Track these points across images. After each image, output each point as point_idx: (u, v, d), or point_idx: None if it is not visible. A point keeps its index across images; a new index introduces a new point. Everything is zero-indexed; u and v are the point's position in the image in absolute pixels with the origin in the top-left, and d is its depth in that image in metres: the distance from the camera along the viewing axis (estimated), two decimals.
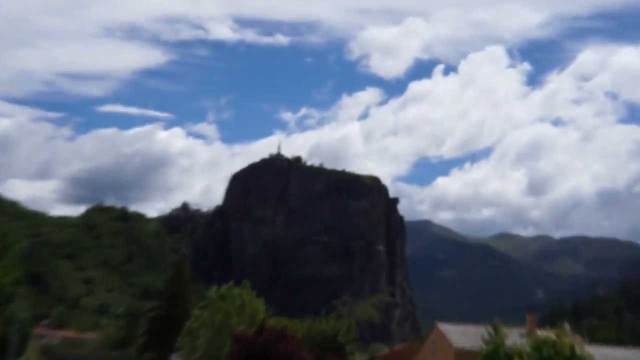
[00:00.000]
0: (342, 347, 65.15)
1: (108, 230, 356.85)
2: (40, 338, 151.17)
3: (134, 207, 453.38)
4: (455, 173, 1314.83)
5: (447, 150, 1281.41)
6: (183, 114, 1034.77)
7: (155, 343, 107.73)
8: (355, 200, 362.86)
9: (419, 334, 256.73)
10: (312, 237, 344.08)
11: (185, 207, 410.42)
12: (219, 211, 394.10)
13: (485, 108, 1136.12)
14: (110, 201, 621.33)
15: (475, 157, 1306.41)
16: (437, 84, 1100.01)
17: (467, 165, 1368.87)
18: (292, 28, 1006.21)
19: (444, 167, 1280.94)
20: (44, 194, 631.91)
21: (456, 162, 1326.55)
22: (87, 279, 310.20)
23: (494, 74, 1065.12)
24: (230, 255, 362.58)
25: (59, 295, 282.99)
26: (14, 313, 47.56)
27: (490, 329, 41.45)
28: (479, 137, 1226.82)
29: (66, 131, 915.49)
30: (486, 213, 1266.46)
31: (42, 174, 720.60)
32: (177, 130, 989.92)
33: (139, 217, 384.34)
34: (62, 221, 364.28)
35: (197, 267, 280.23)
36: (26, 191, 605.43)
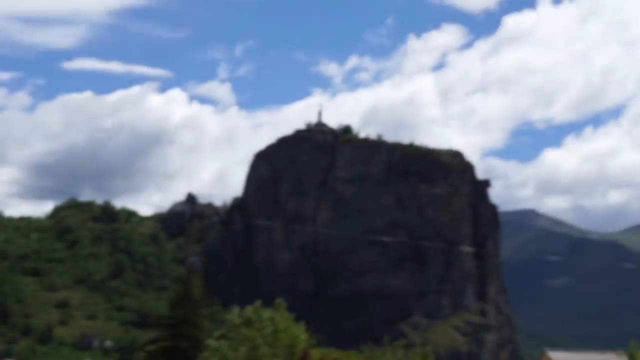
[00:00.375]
0: None
1: (87, 235, 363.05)
2: None
3: (120, 203, 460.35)
4: (571, 143, 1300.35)
5: (559, 112, 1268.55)
6: (184, 70, 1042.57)
7: None
8: (429, 185, 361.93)
9: None
10: (368, 237, 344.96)
11: (191, 200, 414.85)
12: (239, 205, 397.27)
13: (615, 50, 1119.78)
14: (87, 195, 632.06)
15: (599, 119, 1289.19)
16: (543, 17, 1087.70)
17: (587, 131, 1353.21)
18: None
19: (555, 135, 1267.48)
20: None
21: (572, 128, 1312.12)
22: (61, 302, 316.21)
23: (627, 1, 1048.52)
24: (256, 265, 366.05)
25: (23, 325, 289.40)
26: None
27: (623, 357, 41.52)
28: (605, 92, 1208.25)
29: (22, 98, 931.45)
30: (615, 198, 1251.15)
31: None
32: (177, 93, 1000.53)
33: (129, 216, 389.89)
34: (24, 223, 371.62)
35: (211, 282, 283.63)
36: None
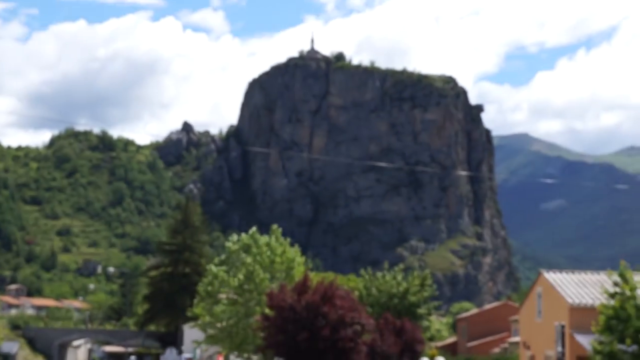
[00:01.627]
0: (413, 308, 66.35)
1: (85, 164, 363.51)
2: (8, 308, 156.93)
3: (117, 132, 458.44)
4: (564, 66, 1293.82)
5: (551, 34, 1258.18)
6: None
7: (162, 311, 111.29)
8: (423, 111, 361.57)
9: (518, 288, 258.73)
10: (364, 163, 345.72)
11: (187, 128, 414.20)
12: (235, 133, 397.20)
13: None
14: (84, 124, 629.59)
15: (592, 41, 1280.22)
16: None
17: (580, 53, 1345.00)
18: None
19: (548, 58, 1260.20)
20: None
21: (564, 50, 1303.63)
22: (63, 230, 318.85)
23: None
24: (253, 191, 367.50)
25: (26, 253, 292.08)
26: None
27: (615, 277, 41.90)
28: (599, 13, 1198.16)
29: (16, 28, 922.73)
30: (608, 120, 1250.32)
31: None
32: (171, 21, 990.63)
33: (126, 145, 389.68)
34: (22, 153, 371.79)
35: (209, 209, 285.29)
36: None
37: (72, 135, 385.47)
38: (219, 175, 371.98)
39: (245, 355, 63.77)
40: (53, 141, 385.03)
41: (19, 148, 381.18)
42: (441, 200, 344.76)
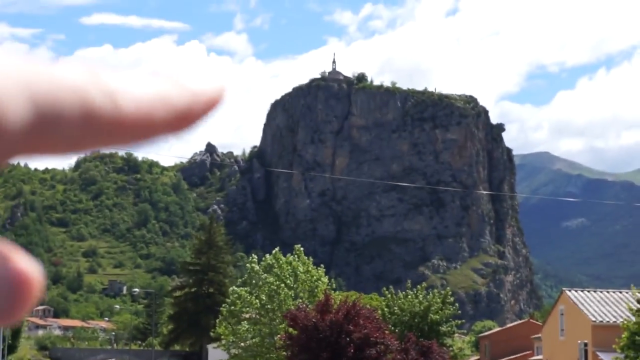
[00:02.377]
0: (436, 327, 66.07)
1: (110, 186, 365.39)
2: (35, 329, 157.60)
3: (141, 153, 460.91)
4: (584, 85, 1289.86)
5: (572, 54, 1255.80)
6: (201, 22, 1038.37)
7: (186, 331, 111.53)
8: (444, 131, 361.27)
9: (540, 306, 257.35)
10: (386, 183, 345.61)
11: (210, 150, 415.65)
12: (258, 154, 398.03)
13: None
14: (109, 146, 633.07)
15: (612, 61, 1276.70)
16: None
17: (600, 73, 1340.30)
18: None
19: (568, 77, 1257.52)
20: None
21: (585, 70, 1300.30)
22: (89, 251, 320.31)
23: None
24: (276, 212, 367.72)
25: (53, 274, 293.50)
26: None
27: (638, 295, 41.70)
28: (619, 33, 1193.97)
29: (43, 53, 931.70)
30: (629, 139, 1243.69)
31: None
32: (195, 45, 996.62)
33: (150, 166, 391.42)
34: (49, 175, 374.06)
35: (232, 229, 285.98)
36: None
37: (97, 157, 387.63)
38: (243, 196, 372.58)
39: None
40: (79, 164, 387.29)
41: (46, 170, 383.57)
42: (463, 219, 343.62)
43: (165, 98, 1.11)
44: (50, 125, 1.05)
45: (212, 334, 73.43)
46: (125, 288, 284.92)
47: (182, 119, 1.12)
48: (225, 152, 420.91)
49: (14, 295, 0.98)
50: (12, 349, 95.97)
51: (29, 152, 1.03)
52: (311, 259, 68.50)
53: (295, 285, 64.09)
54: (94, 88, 1.07)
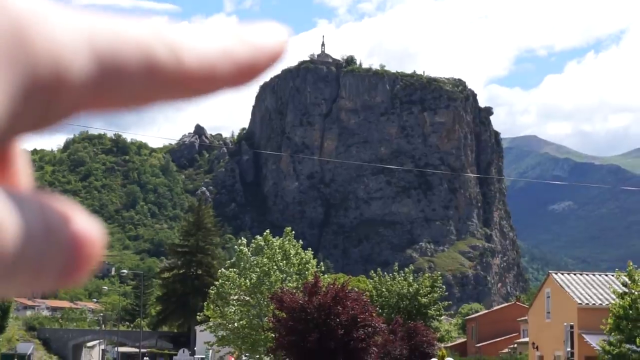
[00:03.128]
0: (424, 309, 66.38)
1: (99, 167, 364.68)
2: (23, 309, 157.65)
3: (130, 135, 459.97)
4: (573, 69, 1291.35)
5: (560, 38, 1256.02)
6: (191, 4, 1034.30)
7: (175, 312, 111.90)
8: (432, 113, 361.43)
9: (527, 289, 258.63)
10: (374, 165, 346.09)
11: (199, 132, 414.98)
12: (246, 136, 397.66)
13: None
14: (97, 127, 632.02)
15: (601, 45, 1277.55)
16: None
17: (589, 57, 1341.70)
18: None
19: (557, 61, 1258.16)
20: None
21: (574, 54, 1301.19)
22: None
23: None
24: (265, 194, 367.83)
25: None
26: None
27: (623, 278, 41.85)
28: (607, 17, 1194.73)
29: None
30: (616, 123, 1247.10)
31: None
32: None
33: (139, 148, 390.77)
34: (37, 156, 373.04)
35: (221, 211, 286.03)
36: None
37: (86, 138, 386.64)
38: (231, 178, 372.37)
39: (257, 356, 63.81)
40: (68, 145, 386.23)
41: (34, 151, 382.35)
42: (450, 202, 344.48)
43: (228, 52, 0.96)
44: (114, 80, 0.92)
45: (199, 316, 73.53)
46: (113, 269, 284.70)
47: (244, 73, 0.97)
48: (214, 134, 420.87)
49: (76, 257, 0.88)
50: (0, 329, 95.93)
51: (92, 107, 0.91)
52: (300, 241, 68.64)
53: (286, 268, 64.25)
54: (158, 42, 0.93)
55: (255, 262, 65.64)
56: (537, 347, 60.26)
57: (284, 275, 64.06)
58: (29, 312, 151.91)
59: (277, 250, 65.93)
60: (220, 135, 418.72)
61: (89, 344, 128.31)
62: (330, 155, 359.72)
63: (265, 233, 68.87)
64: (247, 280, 64.55)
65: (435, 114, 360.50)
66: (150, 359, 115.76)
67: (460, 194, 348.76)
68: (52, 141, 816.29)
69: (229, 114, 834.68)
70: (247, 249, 68.13)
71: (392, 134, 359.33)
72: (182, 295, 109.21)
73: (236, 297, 65.39)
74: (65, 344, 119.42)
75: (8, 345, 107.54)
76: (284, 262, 64.99)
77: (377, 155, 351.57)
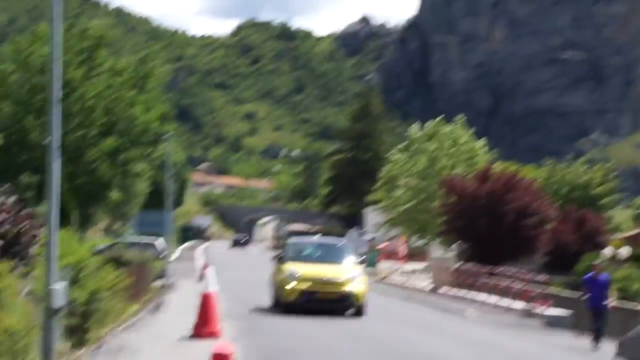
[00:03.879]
0: (596, 200, 65.20)
1: (268, 53, 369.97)
2: (199, 186, 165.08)
3: (298, 23, 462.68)
4: None
5: None
6: None
7: (344, 194, 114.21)
8: (607, 4, 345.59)
9: None
10: (546, 55, 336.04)
11: (365, 20, 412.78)
12: (414, 24, 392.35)
13: None
14: (266, 15, 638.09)
15: None
16: None
17: None
18: None
19: None
20: (182, 8, 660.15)
21: None
22: (248, 115, 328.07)
23: None
24: (432, 83, 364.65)
25: (215, 135, 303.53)
26: (167, 155, 51.83)
27: None
28: None
29: None
30: None
31: None
32: None
33: (306, 35, 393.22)
34: (208, 41, 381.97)
35: (388, 98, 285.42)
36: (160, 4, 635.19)
37: (254, 25, 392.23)
38: (399, 66, 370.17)
39: (426, 238, 64.75)
40: (237, 30, 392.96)
41: (204, 37, 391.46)
42: (624, 95, 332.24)
43: None
44: None
45: (369, 197, 74.74)
46: (283, 151, 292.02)
47: None
48: (381, 22, 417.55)
49: None
50: (178, 203, 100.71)
51: None
52: (470, 130, 68.28)
53: (455, 155, 64.23)
54: None
55: (425, 147, 65.95)
56: None
57: (453, 161, 64.16)
58: (204, 188, 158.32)
59: (447, 137, 65.93)
60: (386, 24, 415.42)
61: (262, 220, 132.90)
62: (499, 45, 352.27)
63: (437, 120, 68.88)
64: (417, 165, 65.07)
65: (610, 4, 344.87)
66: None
67: (635, 86, 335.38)
68: (220, 27, 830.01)
69: (396, 2, 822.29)
70: (417, 134, 68.42)
71: (564, 25, 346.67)
72: (351, 179, 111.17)
73: (405, 180, 66.14)
74: (238, 219, 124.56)
75: (186, 218, 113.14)
76: (454, 149, 65.02)
77: (547, 45, 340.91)
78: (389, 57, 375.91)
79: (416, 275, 56.55)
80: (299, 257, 24.22)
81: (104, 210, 52.15)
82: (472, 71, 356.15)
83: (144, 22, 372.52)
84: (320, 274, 23.05)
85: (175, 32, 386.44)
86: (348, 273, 23.64)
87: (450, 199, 49.61)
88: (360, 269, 24.61)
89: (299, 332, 20.67)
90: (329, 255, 24.46)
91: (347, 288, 23.18)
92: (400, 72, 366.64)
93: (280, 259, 24.77)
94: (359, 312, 23.67)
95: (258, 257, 79.39)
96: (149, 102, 48.72)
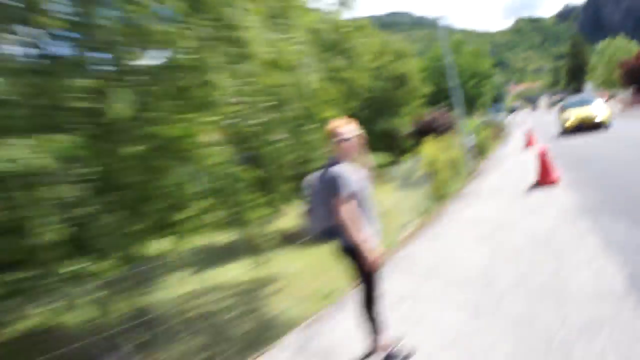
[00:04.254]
0: None
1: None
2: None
3: None
4: None
5: None
6: None
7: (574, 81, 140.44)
8: None
9: None
10: None
11: None
12: None
13: None
14: None
15: None
16: None
17: None
18: None
19: None
20: None
21: None
22: None
23: None
24: None
25: None
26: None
27: None
28: None
29: None
30: None
31: None
32: None
33: None
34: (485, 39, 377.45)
35: None
36: None
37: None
38: None
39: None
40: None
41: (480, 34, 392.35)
42: None
43: None
44: None
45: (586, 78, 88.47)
46: None
47: None
48: None
49: None
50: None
51: None
52: None
53: None
54: None
55: None
56: None
57: None
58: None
59: None
60: None
61: (542, 97, 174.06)
62: None
63: None
64: None
65: None
66: None
67: None
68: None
69: None
70: None
71: None
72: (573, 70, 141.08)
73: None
74: (534, 99, 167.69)
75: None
76: None
77: None
78: None
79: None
80: (570, 106, 32.40)
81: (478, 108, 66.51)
82: None
83: None
84: (582, 113, 30.65)
85: None
86: (597, 110, 30.55)
87: None
88: (604, 106, 31.53)
89: (580, 143, 25.27)
90: (586, 103, 31.84)
91: (597, 119, 30.02)
92: None
93: (561, 109, 33.40)
94: (606, 128, 30.06)
95: (542, 114, 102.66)
96: None
